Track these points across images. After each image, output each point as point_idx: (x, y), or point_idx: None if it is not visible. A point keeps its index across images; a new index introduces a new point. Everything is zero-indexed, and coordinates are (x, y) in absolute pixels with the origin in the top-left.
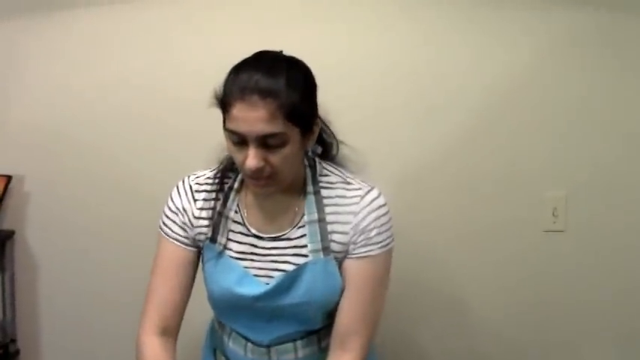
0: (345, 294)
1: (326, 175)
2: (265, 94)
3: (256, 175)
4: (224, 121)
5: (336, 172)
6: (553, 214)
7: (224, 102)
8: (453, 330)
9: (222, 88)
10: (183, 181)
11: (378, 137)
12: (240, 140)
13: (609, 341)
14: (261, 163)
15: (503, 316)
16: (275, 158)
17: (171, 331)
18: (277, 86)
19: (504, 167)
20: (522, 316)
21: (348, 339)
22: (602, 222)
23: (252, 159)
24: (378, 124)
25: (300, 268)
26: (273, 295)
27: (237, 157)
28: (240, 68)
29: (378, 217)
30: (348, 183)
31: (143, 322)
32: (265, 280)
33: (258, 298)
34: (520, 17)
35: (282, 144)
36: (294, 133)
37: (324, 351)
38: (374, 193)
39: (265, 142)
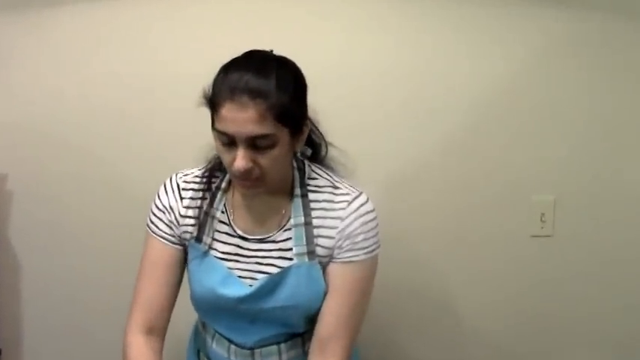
0: (328, 298)
1: (314, 179)
2: (255, 94)
3: (244, 176)
4: (212, 121)
5: (325, 175)
6: (541, 219)
7: (213, 102)
8: (440, 335)
9: (211, 88)
10: (171, 179)
11: (364, 142)
12: (229, 141)
13: (596, 345)
14: (250, 165)
15: (491, 321)
16: (264, 160)
17: (157, 331)
18: (267, 87)
19: (492, 172)
20: (510, 320)
21: (330, 343)
22: (590, 227)
23: (240, 160)
24: (364, 128)
25: (284, 272)
26: (256, 297)
27: (226, 157)
28: (230, 68)
29: (365, 223)
30: (336, 187)
31: (129, 322)
32: (249, 281)
33: (241, 300)
34: (513, 20)
35: (272, 145)
36: (284, 134)
37: (308, 354)
38: (362, 199)
39: (254, 143)
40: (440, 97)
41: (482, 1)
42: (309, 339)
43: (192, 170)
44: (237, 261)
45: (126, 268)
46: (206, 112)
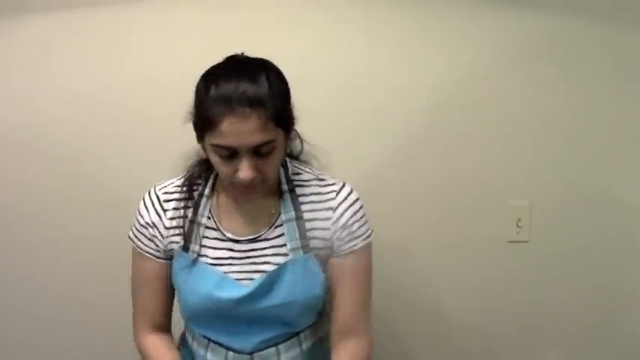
0: (339, 289)
1: (298, 174)
2: (255, 103)
3: (249, 184)
4: (201, 136)
5: (307, 169)
6: (517, 225)
7: (208, 118)
8: (416, 342)
9: (200, 103)
10: (149, 193)
11: (333, 146)
12: (229, 153)
13: (573, 351)
14: (255, 173)
15: (467, 327)
16: (265, 165)
17: (164, 328)
18: (264, 94)
19: (467, 177)
20: (486, 326)
21: (353, 329)
22: (566, 232)
23: (247, 170)
24: (330, 132)
25: (281, 268)
26: (255, 296)
27: (226, 169)
28: (217, 78)
29: (356, 211)
30: (322, 179)
31: (137, 328)
32: (246, 282)
33: (239, 301)
34: (485, 22)
35: (272, 150)
36: (281, 137)
37: (305, 353)
38: (347, 188)
39: (257, 151)
40: (413, 103)
41: (449, 2)
42: (306, 338)
43: (171, 181)
44: (231, 264)
45: (85, 283)
46: (180, 122)
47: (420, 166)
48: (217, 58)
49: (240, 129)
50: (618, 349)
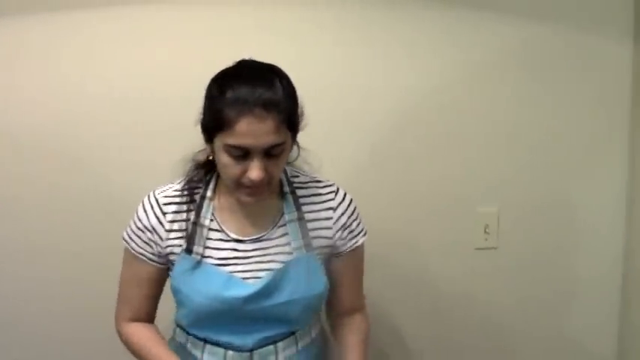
0: (343, 281)
1: (296, 176)
2: (271, 106)
3: (257, 185)
4: (212, 138)
5: (302, 172)
6: (485, 231)
7: (225, 119)
8: (380, 344)
9: (215, 105)
10: (149, 197)
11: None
12: (242, 154)
13: (542, 356)
14: (264, 174)
15: (435, 333)
16: (274, 167)
17: (146, 321)
18: (278, 97)
19: (435, 183)
20: (453, 334)
21: (358, 306)
22: (534, 238)
23: (258, 171)
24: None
25: (286, 266)
26: (263, 294)
27: (235, 170)
28: (233, 81)
29: (353, 210)
30: (319, 181)
31: (118, 316)
32: (252, 281)
33: (247, 299)
34: (457, 28)
35: (282, 152)
36: (289, 140)
37: (301, 352)
38: (342, 189)
39: (268, 153)
40: (384, 109)
41: (425, 8)
42: (302, 337)
43: (170, 185)
44: (236, 264)
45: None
46: (178, 129)
47: (389, 171)
48: (198, 62)
49: (256, 129)
50: (584, 353)
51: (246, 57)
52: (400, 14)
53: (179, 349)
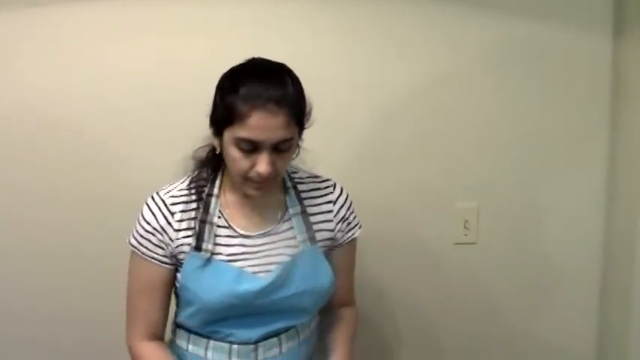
0: (340, 272)
1: (295, 172)
2: (283, 102)
3: (264, 179)
4: (222, 132)
5: (300, 169)
6: (464, 227)
7: (237, 112)
8: (361, 339)
9: (227, 99)
10: (154, 199)
11: None
12: (252, 147)
13: (521, 351)
14: (272, 168)
15: (414, 327)
16: (280, 162)
17: (159, 335)
18: (289, 93)
19: (414, 179)
20: (431, 328)
21: (349, 299)
22: (514, 234)
23: (266, 165)
24: None
25: (294, 258)
26: (275, 287)
27: (243, 164)
28: (245, 78)
29: (350, 204)
30: (316, 177)
31: (132, 333)
32: (263, 275)
33: (260, 293)
34: (441, 26)
35: (289, 148)
36: (296, 136)
37: (302, 344)
38: (338, 183)
39: (276, 147)
40: (366, 106)
41: (410, 4)
42: (303, 330)
43: (174, 185)
44: (245, 259)
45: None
46: (179, 129)
47: (370, 167)
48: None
49: (268, 124)
50: (557, 352)
51: (237, 53)
52: (388, 9)
53: (181, 354)
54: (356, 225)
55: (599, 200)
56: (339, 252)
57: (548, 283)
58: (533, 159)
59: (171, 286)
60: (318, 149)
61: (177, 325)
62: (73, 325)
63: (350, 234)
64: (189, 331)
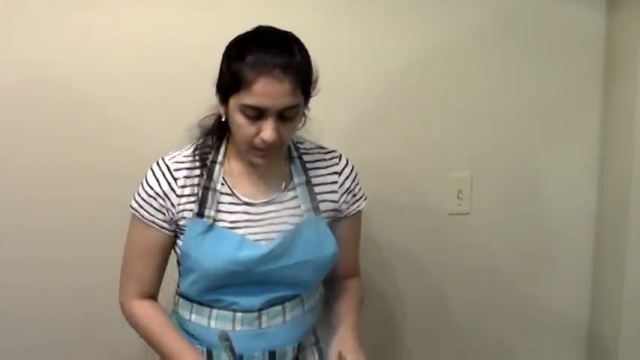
0: (347, 245)
1: (301, 143)
2: (288, 68)
3: (269, 146)
4: (227, 98)
5: (306, 139)
6: (458, 197)
7: (243, 79)
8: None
9: (234, 66)
10: (158, 164)
11: None
12: (257, 114)
13: (519, 311)
14: (277, 135)
15: (406, 299)
16: (285, 129)
17: (152, 295)
18: (296, 61)
19: (407, 149)
20: (425, 298)
21: (356, 270)
22: (507, 203)
23: (271, 132)
24: None
25: (298, 227)
26: (276, 255)
27: (248, 130)
28: (252, 45)
29: (356, 176)
30: (322, 147)
31: (124, 292)
32: (265, 243)
33: (261, 260)
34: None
35: (295, 115)
36: (302, 104)
37: (306, 313)
38: (344, 155)
39: (282, 115)
40: (361, 78)
41: None
42: (308, 300)
43: (179, 152)
44: (247, 227)
45: None
46: (183, 100)
47: (364, 138)
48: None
49: (273, 91)
50: (553, 316)
51: (239, 25)
52: None
53: (184, 324)
54: (361, 197)
55: (592, 169)
56: (344, 224)
57: (544, 248)
58: (527, 128)
59: (169, 251)
60: (320, 117)
61: (179, 296)
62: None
63: (355, 206)
64: (191, 301)
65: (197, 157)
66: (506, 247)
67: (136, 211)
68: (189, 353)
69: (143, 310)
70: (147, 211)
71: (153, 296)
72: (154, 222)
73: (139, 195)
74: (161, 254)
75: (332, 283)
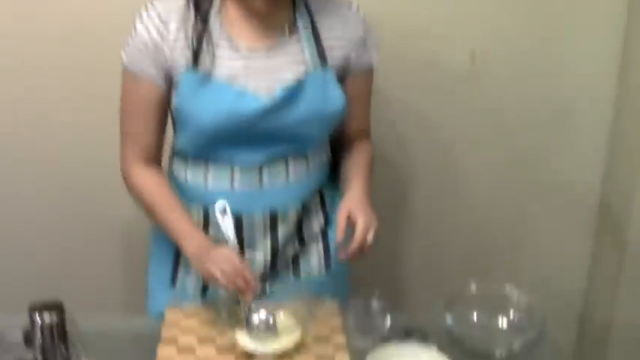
0: (353, 104)
1: None
2: None
3: None
4: None
5: None
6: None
7: None
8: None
9: None
10: (147, 9)
11: None
12: None
13: (534, 179)
14: None
15: (417, 164)
16: None
17: (155, 161)
18: None
19: (428, 25)
20: (436, 162)
21: (360, 135)
22: (523, 71)
23: None
24: None
25: (302, 81)
26: (279, 107)
27: None
28: None
29: (368, 24)
30: None
31: (125, 156)
32: (266, 94)
33: (263, 113)
34: None
35: None
36: None
37: (310, 170)
38: (355, 2)
39: None
40: None
41: None
42: (313, 157)
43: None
44: (247, 77)
45: None
46: None
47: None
48: None
49: None
50: (571, 180)
51: None
52: None
53: (180, 185)
54: (374, 47)
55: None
56: (354, 80)
57: (561, 119)
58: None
59: (166, 109)
60: None
61: (175, 154)
62: None
63: (366, 58)
64: (187, 159)
65: (191, 3)
66: (526, 112)
67: (128, 63)
68: (194, 237)
69: (148, 178)
70: (141, 64)
71: (156, 162)
72: (147, 74)
73: (129, 46)
74: (158, 109)
75: (340, 144)
